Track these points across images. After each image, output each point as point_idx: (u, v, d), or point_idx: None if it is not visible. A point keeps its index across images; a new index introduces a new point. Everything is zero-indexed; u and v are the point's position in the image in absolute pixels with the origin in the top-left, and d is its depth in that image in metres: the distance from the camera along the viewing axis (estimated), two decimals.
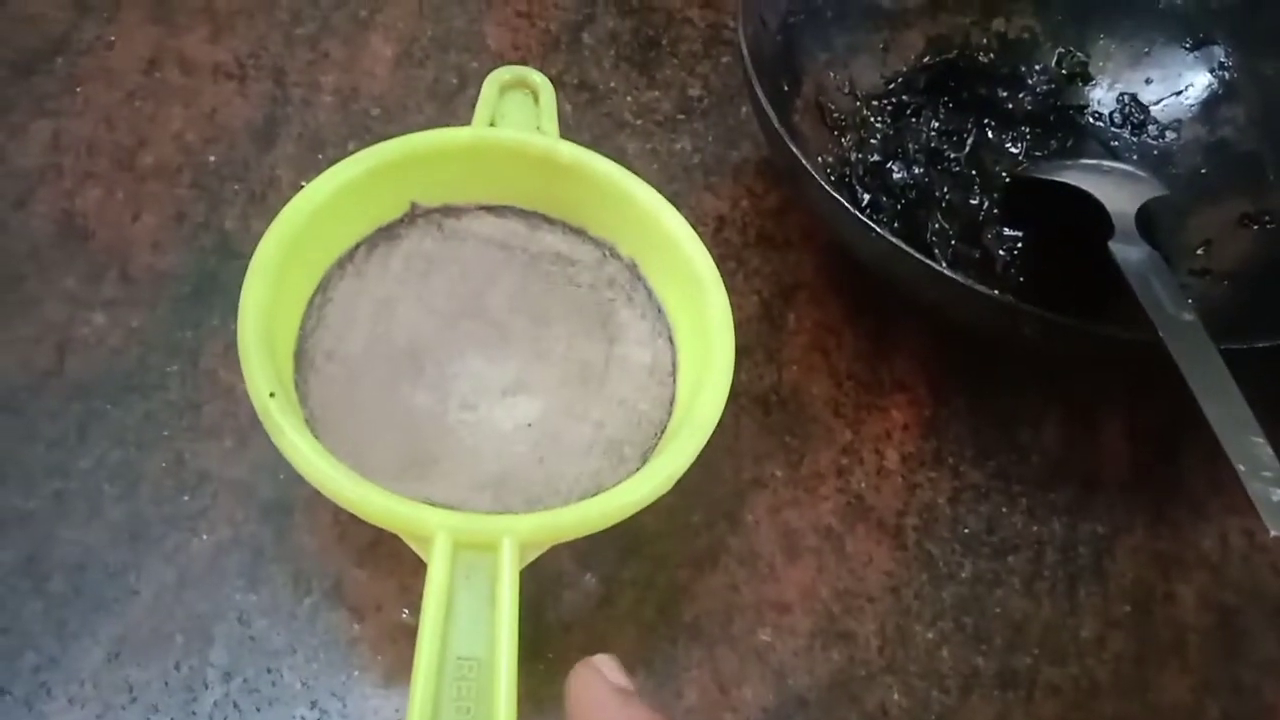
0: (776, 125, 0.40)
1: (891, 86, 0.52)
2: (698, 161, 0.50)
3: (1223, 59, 0.51)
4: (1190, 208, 0.49)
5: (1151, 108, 0.52)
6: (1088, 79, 0.53)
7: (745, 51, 0.42)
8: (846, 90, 0.52)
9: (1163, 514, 0.44)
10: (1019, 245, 0.48)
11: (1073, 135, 0.53)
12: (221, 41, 0.51)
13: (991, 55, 0.54)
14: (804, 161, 0.39)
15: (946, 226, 0.49)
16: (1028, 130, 0.52)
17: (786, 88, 0.49)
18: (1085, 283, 0.46)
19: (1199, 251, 0.48)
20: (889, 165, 0.50)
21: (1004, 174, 0.50)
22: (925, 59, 0.53)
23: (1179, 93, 0.52)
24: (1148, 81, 0.52)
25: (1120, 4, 0.53)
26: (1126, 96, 0.53)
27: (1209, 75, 0.51)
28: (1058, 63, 0.54)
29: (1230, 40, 0.51)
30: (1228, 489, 0.44)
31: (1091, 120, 0.53)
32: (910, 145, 0.51)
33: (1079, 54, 0.53)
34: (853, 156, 0.50)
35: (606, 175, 0.39)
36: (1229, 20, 0.51)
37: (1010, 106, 0.52)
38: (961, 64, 0.53)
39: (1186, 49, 0.52)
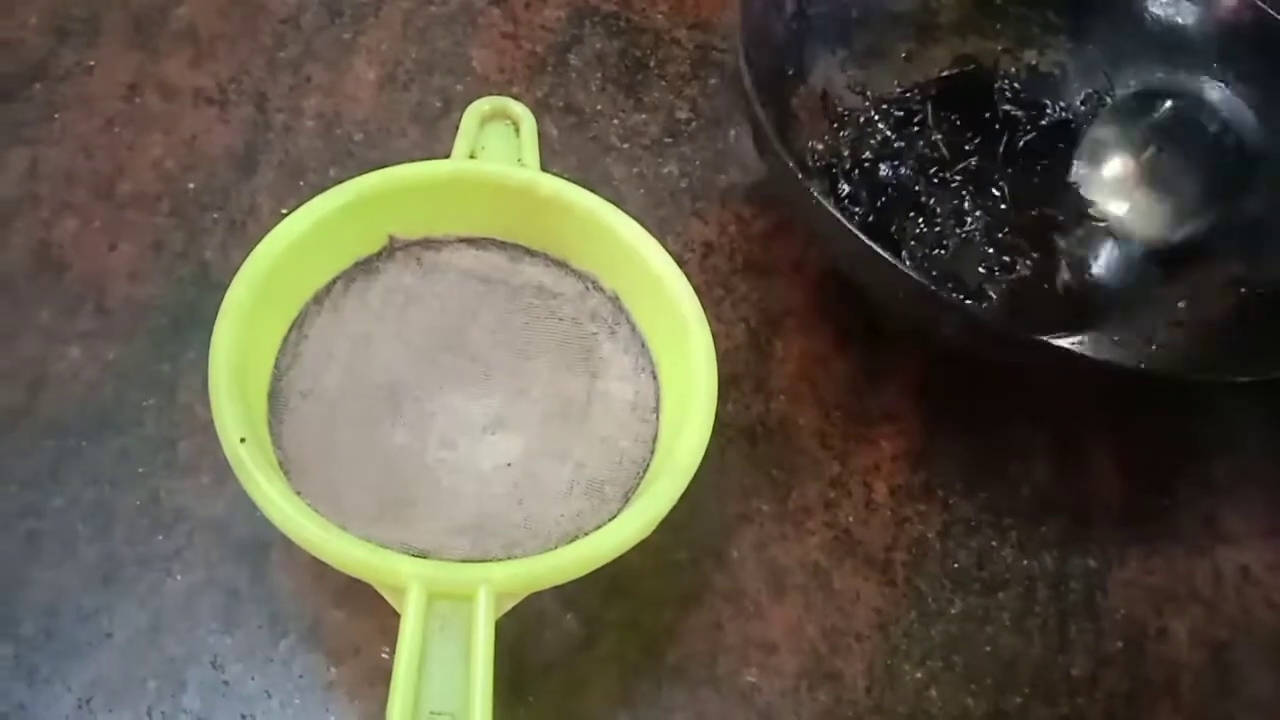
0: (749, 85, 0.40)
1: (906, 95, 0.51)
2: (685, 186, 0.50)
3: (1253, 124, 0.48)
4: (1185, 263, 0.48)
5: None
6: None
7: (740, 18, 0.42)
8: (857, 90, 0.51)
9: (1155, 548, 0.43)
10: (997, 268, 0.48)
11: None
12: (203, 66, 0.50)
13: (1017, 85, 0.52)
14: (768, 129, 0.39)
15: (924, 231, 0.48)
16: (1030, 163, 0.51)
17: (791, 71, 0.49)
18: (1063, 304, 0.46)
19: (1180, 304, 0.46)
20: (878, 165, 0.49)
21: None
22: (947, 75, 0.52)
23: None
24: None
25: (1159, 53, 0.51)
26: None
27: (1234, 137, 0.49)
28: (1083, 102, 0.52)
29: (1262, 102, 0.48)
30: (1221, 522, 0.44)
31: None
32: (907, 153, 0.50)
33: (1106, 96, 0.52)
34: (845, 150, 0.49)
35: (587, 209, 0.38)
36: (1263, 81, 0.48)
37: (1020, 135, 0.51)
38: (982, 85, 0.51)
39: (1222, 106, 0.49)
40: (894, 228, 0.47)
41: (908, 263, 0.46)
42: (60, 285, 0.43)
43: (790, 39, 0.48)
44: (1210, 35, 0.49)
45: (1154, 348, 0.45)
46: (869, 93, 0.51)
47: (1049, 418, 0.45)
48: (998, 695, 0.39)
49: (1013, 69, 0.52)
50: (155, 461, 0.39)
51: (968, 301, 0.46)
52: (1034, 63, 0.52)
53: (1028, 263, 0.48)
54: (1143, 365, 0.44)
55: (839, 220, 0.38)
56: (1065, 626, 0.41)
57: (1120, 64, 0.52)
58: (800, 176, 0.39)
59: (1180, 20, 0.50)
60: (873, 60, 0.51)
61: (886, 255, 0.37)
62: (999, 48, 0.52)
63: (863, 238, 0.37)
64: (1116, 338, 0.45)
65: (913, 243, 0.47)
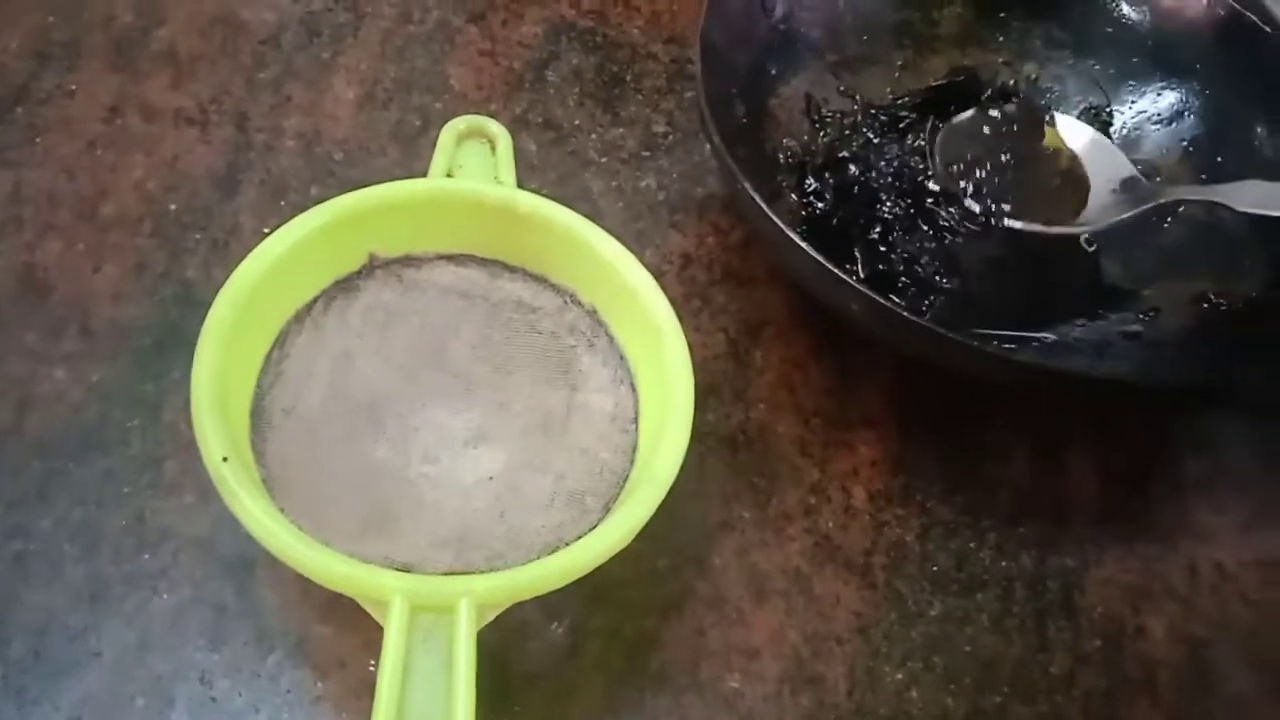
0: (699, 69, 0.42)
1: (899, 101, 0.52)
2: (663, 199, 0.50)
3: (1254, 142, 0.48)
4: (1155, 278, 0.47)
5: (1159, 176, 0.50)
6: (1105, 134, 0.51)
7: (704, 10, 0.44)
8: (847, 94, 0.51)
9: (1132, 547, 0.44)
10: (945, 270, 0.48)
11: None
12: (183, 87, 0.50)
13: (1014, 98, 0.51)
14: (705, 107, 0.41)
15: (883, 230, 0.48)
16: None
17: (774, 71, 0.50)
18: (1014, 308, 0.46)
19: (1141, 316, 0.46)
20: (849, 165, 0.49)
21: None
22: (942, 84, 0.52)
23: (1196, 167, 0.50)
24: (1165, 151, 0.51)
25: (1159, 71, 0.51)
26: (1139, 163, 0.50)
27: (1230, 155, 0.49)
28: (1080, 115, 0.52)
29: (1267, 124, 0.48)
30: (1195, 520, 0.45)
31: None
32: (885, 156, 0.50)
33: (1105, 110, 0.52)
34: (820, 149, 0.50)
35: (564, 224, 0.39)
36: (1269, 106, 0.48)
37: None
38: (976, 96, 0.51)
39: (1215, 126, 0.50)
40: (851, 225, 0.48)
41: (858, 259, 0.47)
42: (45, 307, 0.43)
43: (776, 40, 0.49)
44: (1211, 53, 0.50)
45: (1102, 357, 0.45)
46: (859, 97, 0.52)
47: (1025, 420, 0.46)
48: (977, 695, 0.39)
49: (1010, 81, 0.52)
50: (140, 481, 0.39)
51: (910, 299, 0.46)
52: (1034, 76, 0.53)
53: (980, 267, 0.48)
54: (1091, 372, 0.44)
55: (749, 193, 0.39)
56: (1043, 626, 0.41)
57: (1122, 80, 0.52)
58: (730, 158, 0.40)
59: (1181, 37, 0.51)
60: (866, 66, 0.52)
61: (791, 233, 0.38)
62: (999, 60, 0.53)
63: (766, 209, 0.38)
64: (1070, 340, 0.46)
65: (869, 239, 0.47)
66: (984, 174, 0.47)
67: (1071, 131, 0.49)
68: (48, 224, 0.45)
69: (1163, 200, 0.46)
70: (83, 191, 0.46)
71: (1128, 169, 0.48)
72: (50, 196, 0.46)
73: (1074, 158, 0.48)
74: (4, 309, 0.43)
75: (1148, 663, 0.41)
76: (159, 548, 0.38)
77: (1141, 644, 0.42)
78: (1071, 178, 0.48)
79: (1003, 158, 0.48)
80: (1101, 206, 0.47)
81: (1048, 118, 0.49)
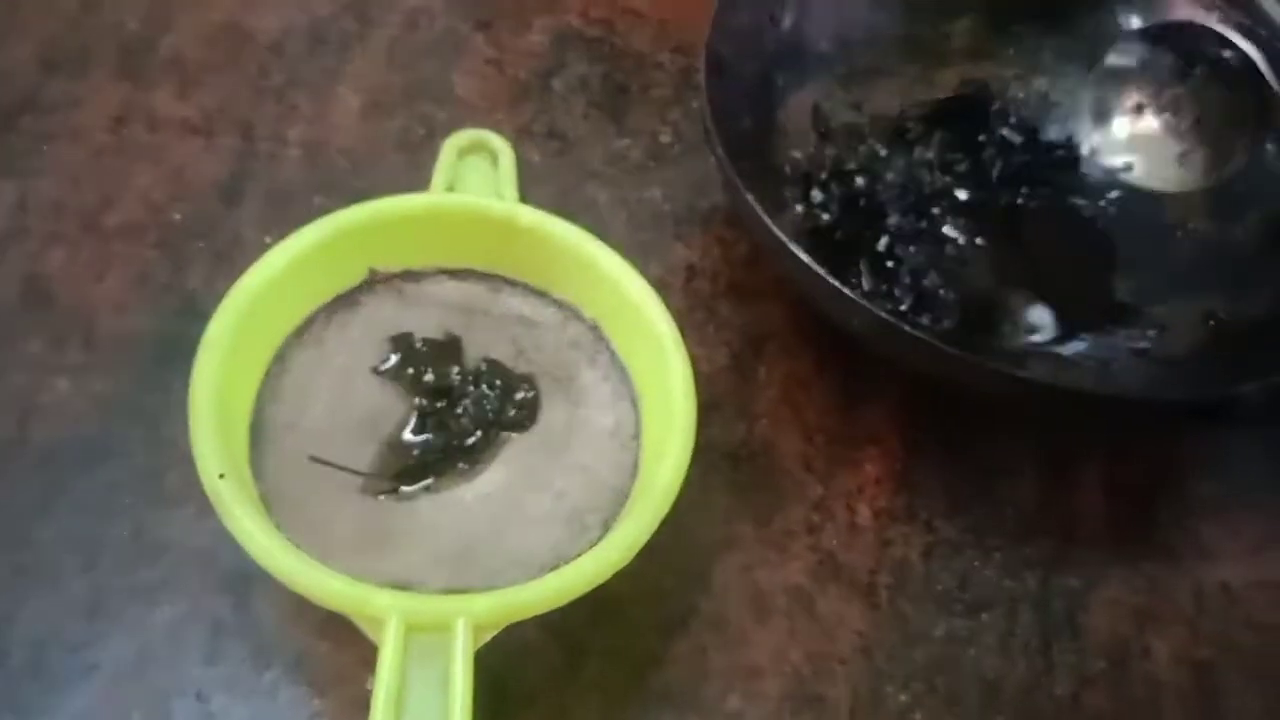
0: (703, 80, 0.42)
1: (906, 114, 0.52)
2: (668, 210, 0.50)
3: (1270, 160, 0.47)
4: (1164, 295, 0.47)
5: (1168, 194, 0.50)
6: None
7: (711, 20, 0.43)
8: (855, 105, 0.51)
9: (1138, 567, 0.43)
10: (953, 286, 0.47)
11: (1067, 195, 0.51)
12: (189, 96, 0.50)
13: (1024, 112, 0.52)
14: (712, 123, 0.41)
15: (890, 245, 0.48)
16: (1021, 188, 0.51)
17: (781, 82, 0.49)
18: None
19: (1150, 333, 0.46)
20: (856, 177, 0.49)
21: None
22: (952, 97, 0.52)
23: (1210, 188, 0.49)
24: (1180, 164, 0.50)
25: (1178, 86, 0.50)
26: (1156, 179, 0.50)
27: (1245, 174, 0.48)
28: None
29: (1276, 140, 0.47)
30: (1203, 541, 0.44)
31: (1101, 182, 0.51)
32: (892, 169, 0.50)
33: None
34: (827, 161, 0.50)
35: (567, 239, 0.39)
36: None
37: (1015, 158, 0.51)
38: (986, 109, 0.52)
39: (1233, 136, 0.49)
40: (857, 238, 0.48)
41: (864, 273, 0.47)
42: (48, 317, 0.43)
43: (784, 50, 0.49)
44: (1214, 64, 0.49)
45: (1110, 373, 0.45)
46: (866, 109, 0.51)
47: (1033, 439, 0.46)
48: (981, 717, 0.39)
49: (1021, 95, 0.52)
50: (141, 493, 0.39)
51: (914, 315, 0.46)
52: (1045, 91, 0.52)
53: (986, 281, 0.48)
54: (1098, 389, 0.43)
55: (752, 204, 0.39)
56: (1048, 647, 0.41)
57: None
58: (733, 169, 0.40)
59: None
60: (875, 79, 0.51)
61: (793, 245, 0.38)
62: (1011, 73, 0.52)
63: (768, 221, 0.38)
64: (1078, 357, 0.45)
65: (875, 252, 0.48)
66: None
67: None
68: (52, 233, 0.45)
69: None
70: (88, 201, 0.46)
71: None
72: (55, 206, 0.46)
73: None
74: (8, 319, 0.43)
75: (1153, 684, 0.41)
76: (159, 560, 0.38)
77: (1147, 666, 0.41)
78: None
79: None
80: None
81: None
